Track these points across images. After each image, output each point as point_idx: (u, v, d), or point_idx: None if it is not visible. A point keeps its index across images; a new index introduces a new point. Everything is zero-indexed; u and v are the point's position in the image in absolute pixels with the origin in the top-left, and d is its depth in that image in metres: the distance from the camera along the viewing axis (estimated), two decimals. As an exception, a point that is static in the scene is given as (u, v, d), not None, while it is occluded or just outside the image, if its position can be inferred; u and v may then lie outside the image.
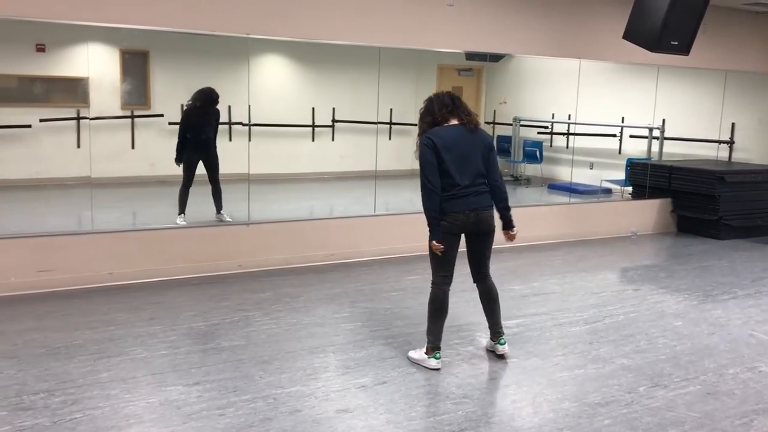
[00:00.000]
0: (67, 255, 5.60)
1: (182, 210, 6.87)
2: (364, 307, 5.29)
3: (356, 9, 6.59)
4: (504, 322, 4.95)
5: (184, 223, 6.77)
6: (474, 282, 4.31)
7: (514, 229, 4.29)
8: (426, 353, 4.16)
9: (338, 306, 5.32)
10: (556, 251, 7.55)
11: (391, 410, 3.57)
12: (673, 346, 4.65)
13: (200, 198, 6.99)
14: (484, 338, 4.63)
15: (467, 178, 4.02)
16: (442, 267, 4.13)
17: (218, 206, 7.07)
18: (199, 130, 7.01)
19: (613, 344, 4.65)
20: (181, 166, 6.93)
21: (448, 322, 4.17)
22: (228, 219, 6.90)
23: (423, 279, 6.11)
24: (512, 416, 3.57)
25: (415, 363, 4.18)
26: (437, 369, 4.11)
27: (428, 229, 4.04)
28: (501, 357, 4.31)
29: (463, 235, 4.14)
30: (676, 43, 6.55)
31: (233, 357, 4.21)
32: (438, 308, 4.15)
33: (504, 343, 4.32)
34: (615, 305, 5.56)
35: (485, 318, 4.35)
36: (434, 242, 4.01)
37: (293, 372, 4.00)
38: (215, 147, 7.11)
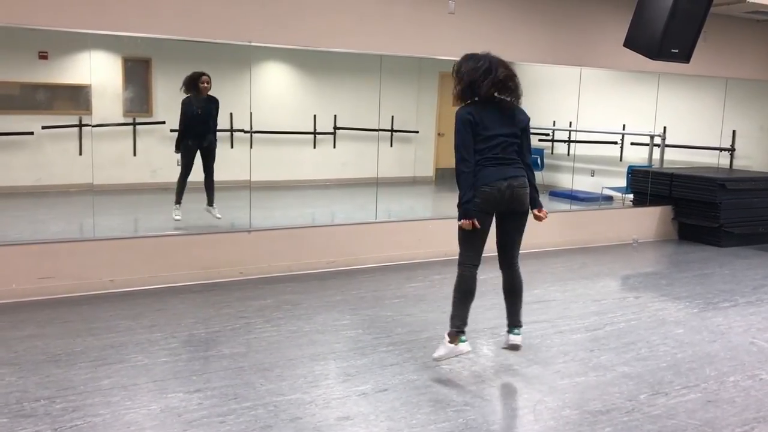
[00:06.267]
0: (68, 262, 5.61)
1: (179, 200, 6.90)
2: (366, 315, 5.29)
3: (358, 17, 6.62)
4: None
5: (179, 216, 6.80)
6: (500, 268, 4.16)
7: (543, 209, 4.16)
8: (451, 342, 4.00)
9: (339, 313, 5.32)
10: (557, 258, 7.55)
11: (392, 418, 3.57)
12: (674, 354, 4.65)
13: (201, 206, 7.01)
14: (485, 345, 4.64)
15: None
16: (471, 246, 3.99)
17: (210, 199, 7.04)
18: (196, 117, 6.98)
19: (614, 352, 4.65)
20: (179, 155, 6.95)
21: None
22: (218, 216, 6.88)
23: (424, 286, 6.14)
24: (513, 424, 3.56)
25: (445, 359, 4.10)
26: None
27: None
28: (514, 348, 4.19)
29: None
30: (677, 50, 6.57)
31: (234, 364, 4.21)
32: (466, 290, 4.01)
33: (518, 334, 4.16)
34: (616, 313, 5.56)
35: (505, 307, 4.19)
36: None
37: (294, 379, 4.01)
38: (215, 136, 7.06)
